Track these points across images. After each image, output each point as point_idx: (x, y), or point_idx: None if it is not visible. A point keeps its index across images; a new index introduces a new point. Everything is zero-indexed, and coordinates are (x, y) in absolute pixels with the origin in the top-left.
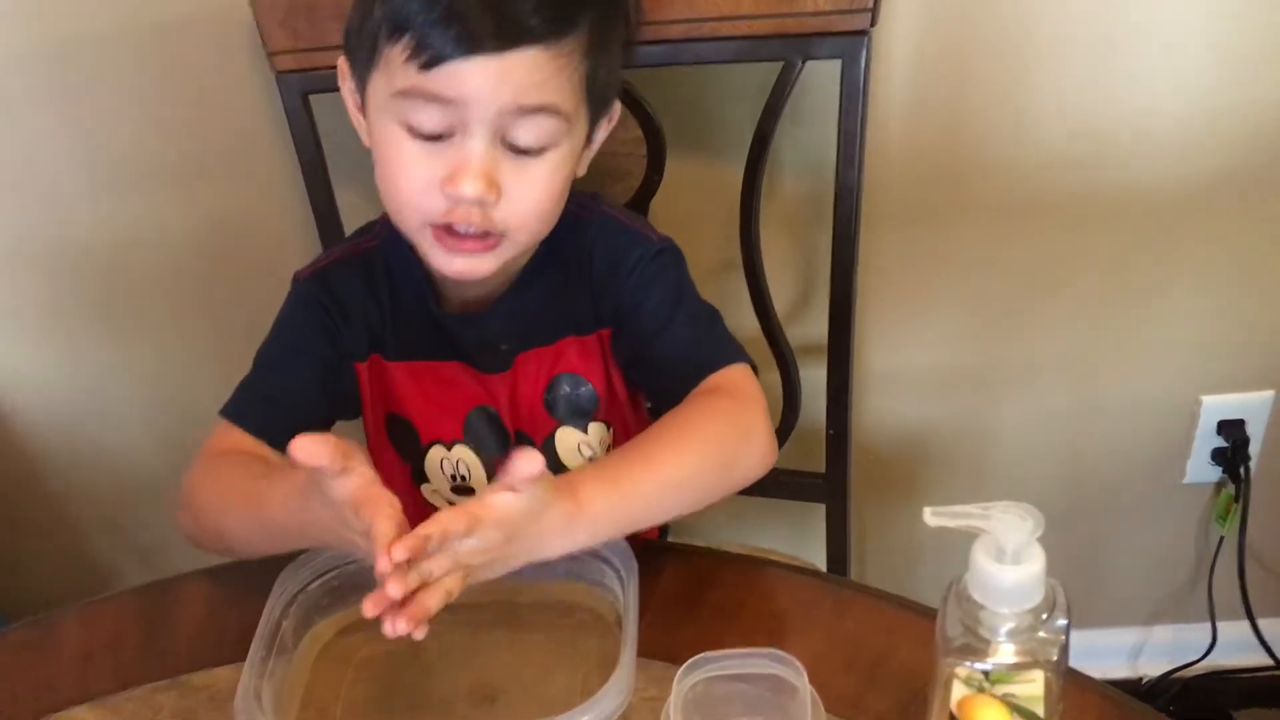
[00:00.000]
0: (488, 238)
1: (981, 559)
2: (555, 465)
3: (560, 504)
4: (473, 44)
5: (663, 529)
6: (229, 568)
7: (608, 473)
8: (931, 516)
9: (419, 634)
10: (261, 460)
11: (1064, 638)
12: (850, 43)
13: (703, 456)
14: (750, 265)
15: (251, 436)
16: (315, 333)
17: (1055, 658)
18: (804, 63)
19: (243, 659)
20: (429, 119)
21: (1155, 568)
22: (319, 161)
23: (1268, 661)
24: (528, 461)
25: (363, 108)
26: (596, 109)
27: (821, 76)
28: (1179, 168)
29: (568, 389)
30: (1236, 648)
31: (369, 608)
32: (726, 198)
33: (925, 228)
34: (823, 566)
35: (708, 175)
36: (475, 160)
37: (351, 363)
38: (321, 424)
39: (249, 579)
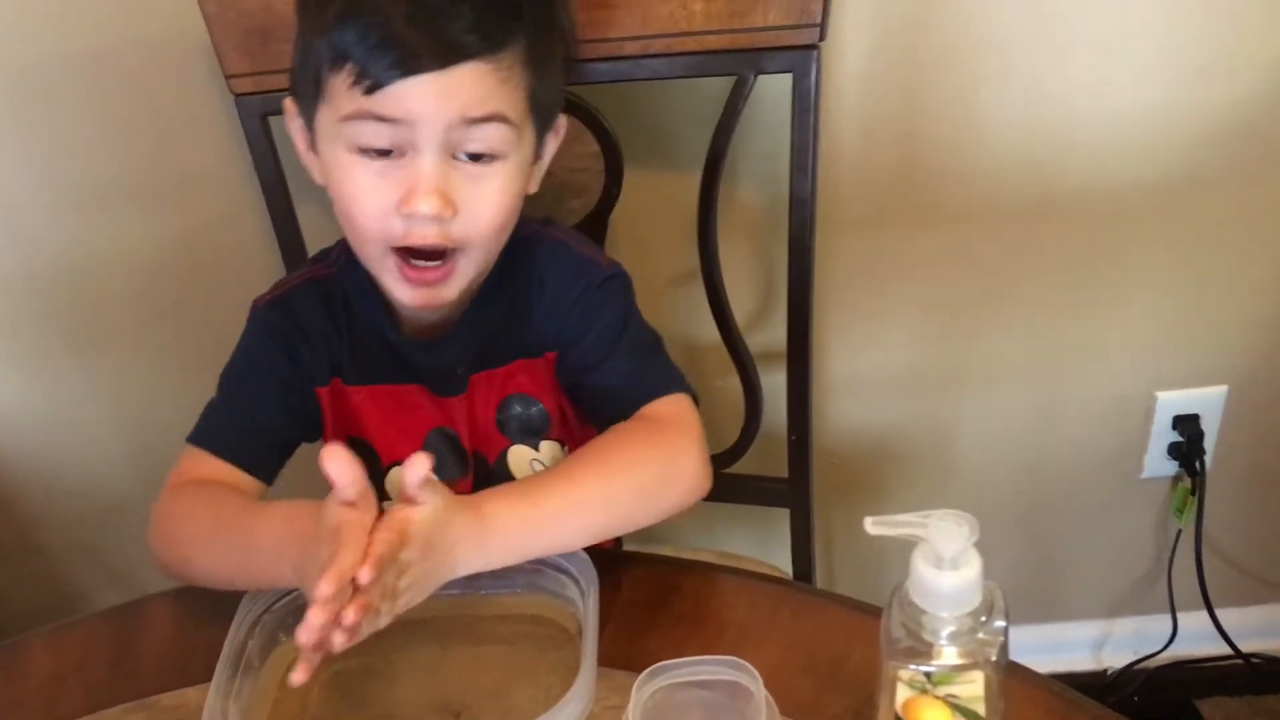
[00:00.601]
0: (446, 262)
1: (921, 565)
2: (506, 481)
3: (463, 515)
4: (412, 65)
5: (618, 539)
6: (195, 590)
7: (521, 490)
8: (873, 526)
9: (338, 642)
10: (235, 494)
11: (1003, 638)
12: (800, 56)
13: (625, 480)
14: (709, 275)
15: (222, 462)
16: (278, 358)
17: (995, 658)
18: (756, 77)
19: (209, 679)
20: (377, 138)
21: (1116, 561)
22: (279, 181)
23: (1227, 650)
24: (415, 467)
25: (313, 146)
26: (542, 122)
27: (774, 89)
28: (1130, 170)
29: (519, 409)
30: (1197, 638)
31: (303, 636)
32: (684, 210)
33: (882, 234)
34: (789, 570)
35: (665, 188)
36: (428, 178)
37: (314, 387)
38: (289, 447)
39: (216, 600)
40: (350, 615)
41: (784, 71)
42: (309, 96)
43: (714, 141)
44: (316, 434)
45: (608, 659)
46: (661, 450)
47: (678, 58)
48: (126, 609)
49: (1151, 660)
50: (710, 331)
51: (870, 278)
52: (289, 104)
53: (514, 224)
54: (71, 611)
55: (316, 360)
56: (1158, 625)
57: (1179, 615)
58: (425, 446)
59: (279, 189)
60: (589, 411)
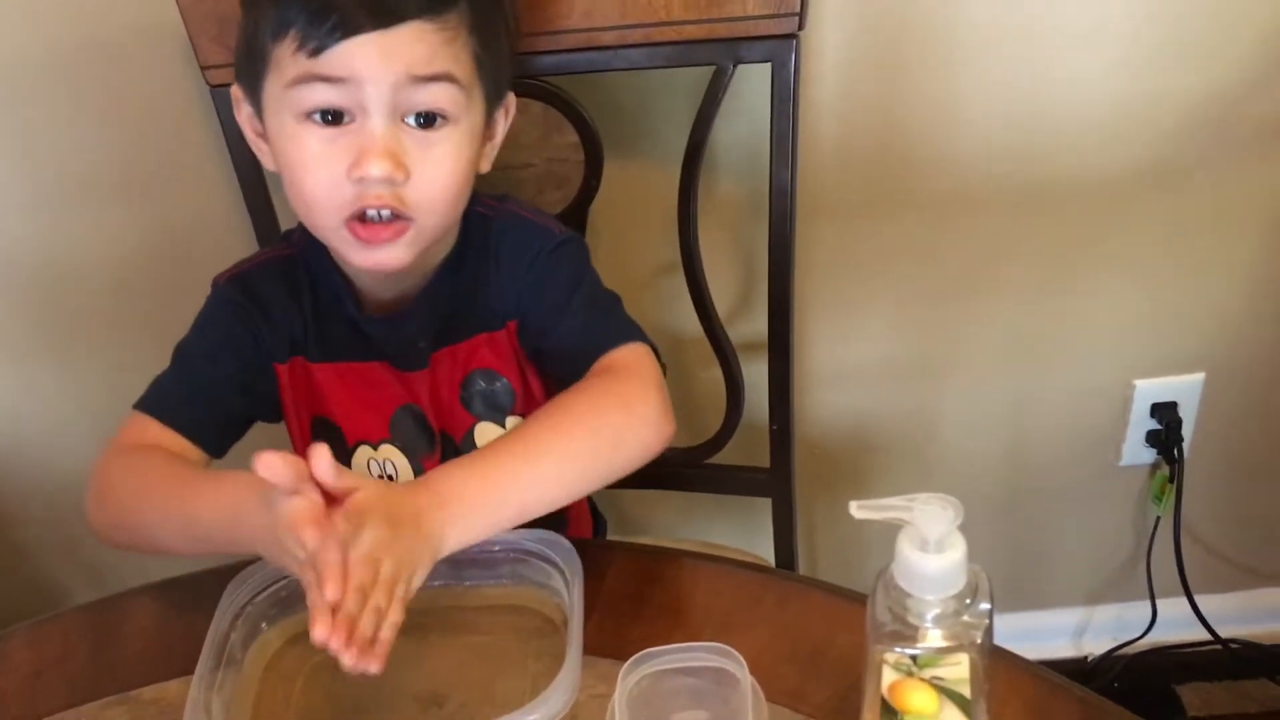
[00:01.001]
0: (397, 222)
1: (906, 549)
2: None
3: (415, 490)
4: (353, 26)
5: (598, 526)
6: (176, 582)
7: (472, 457)
8: (858, 510)
9: (376, 667)
10: (182, 460)
11: (987, 621)
12: (779, 46)
13: (581, 431)
14: (690, 266)
15: (170, 430)
16: (236, 333)
17: (979, 640)
18: (735, 66)
19: (192, 672)
20: (324, 99)
21: (1095, 549)
22: (256, 172)
23: (1206, 636)
24: (318, 461)
25: (263, 133)
26: (491, 92)
27: (753, 79)
28: (1107, 158)
29: (483, 384)
30: (1176, 624)
31: (318, 633)
32: (664, 200)
33: (862, 223)
34: (771, 560)
35: (645, 179)
36: (378, 140)
37: (272, 364)
38: (241, 422)
39: (196, 592)
40: (348, 659)
41: (763, 61)
42: (255, 73)
43: (693, 132)
44: (273, 413)
45: (593, 648)
46: (618, 398)
47: (656, 47)
48: (106, 603)
49: (1131, 646)
50: (691, 323)
51: (850, 267)
52: (236, 91)
53: (466, 196)
54: (49, 609)
55: (276, 337)
56: (1137, 612)
57: (1158, 602)
58: (392, 424)
59: (255, 180)
60: (551, 375)
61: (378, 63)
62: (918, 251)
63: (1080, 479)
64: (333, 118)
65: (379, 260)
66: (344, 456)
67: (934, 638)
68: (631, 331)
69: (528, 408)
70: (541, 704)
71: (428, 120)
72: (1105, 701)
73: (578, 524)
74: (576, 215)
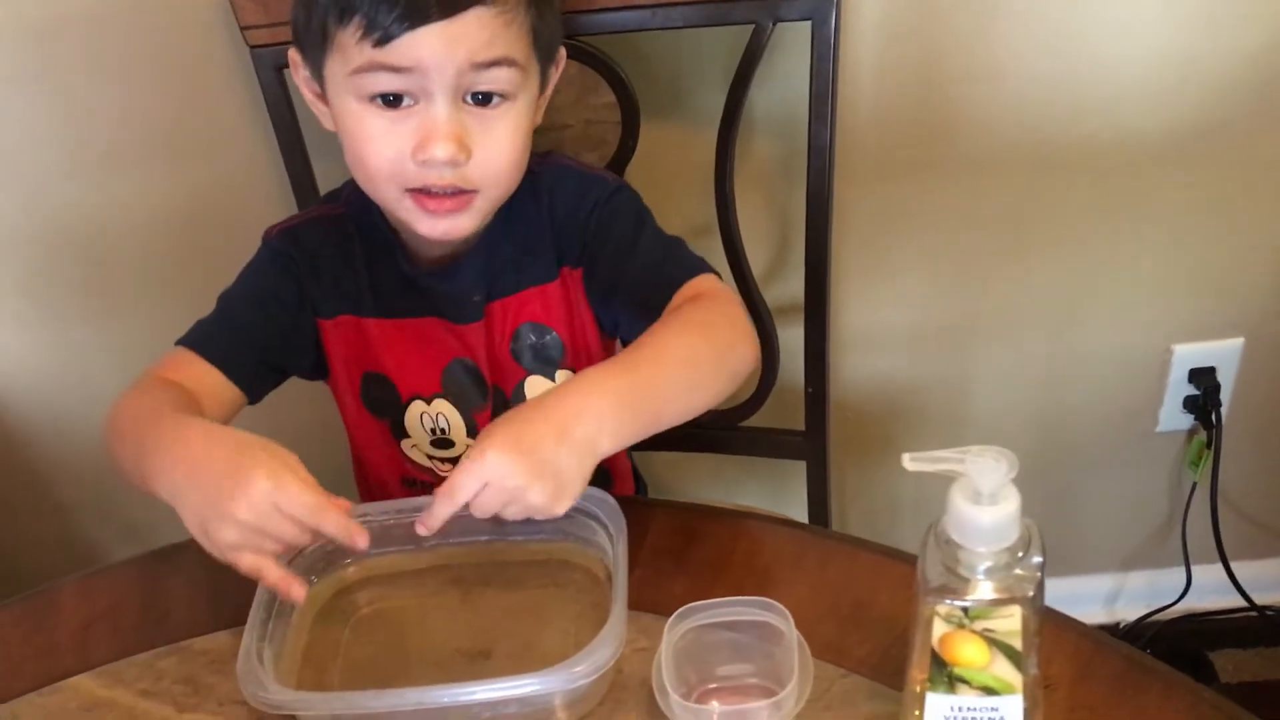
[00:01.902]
0: (462, 194)
1: (959, 501)
2: None
3: (541, 398)
4: (419, 17)
5: (639, 487)
6: None
7: (613, 366)
8: (910, 462)
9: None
10: (192, 397)
11: (1039, 574)
12: (819, 3)
13: (703, 342)
14: (726, 228)
15: (210, 366)
16: (282, 284)
17: (1031, 594)
18: (774, 24)
19: (240, 623)
20: (389, 86)
21: (1130, 515)
22: (295, 134)
23: (1241, 603)
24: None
25: (321, 95)
26: (545, 58)
27: (792, 37)
28: (1150, 118)
29: (533, 338)
30: (1210, 590)
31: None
32: (701, 161)
33: (899, 184)
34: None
35: (682, 140)
36: (442, 123)
37: (315, 319)
38: (278, 372)
39: None
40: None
41: (803, 19)
42: (315, 47)
43: (731, 92)
44: (311, 369)
45: (634, 603)
46: (722, 315)
47: (694, 6)
48: (155, 555)
49: (1164, 613)
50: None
51: (886, 229)
52: (293, 54)
53: (527, 159)
54: (88, 567)
55: (323, 293)
56: (1171, 578)
57: (1193, 568)
58: (444, 378)
59: (295, 142)
60: (627, 311)
61: (442, 52)
62: (954, 212)
63: (1115, 445)
64: (395, 99)
65: (445, 230)
66: (397, 411)
67: (985, 590)
68: (703, 264)
69: (576, 361)
70: (587, 657)
71: (487, 98)
72: (1150, 659)
73: (622, 483)
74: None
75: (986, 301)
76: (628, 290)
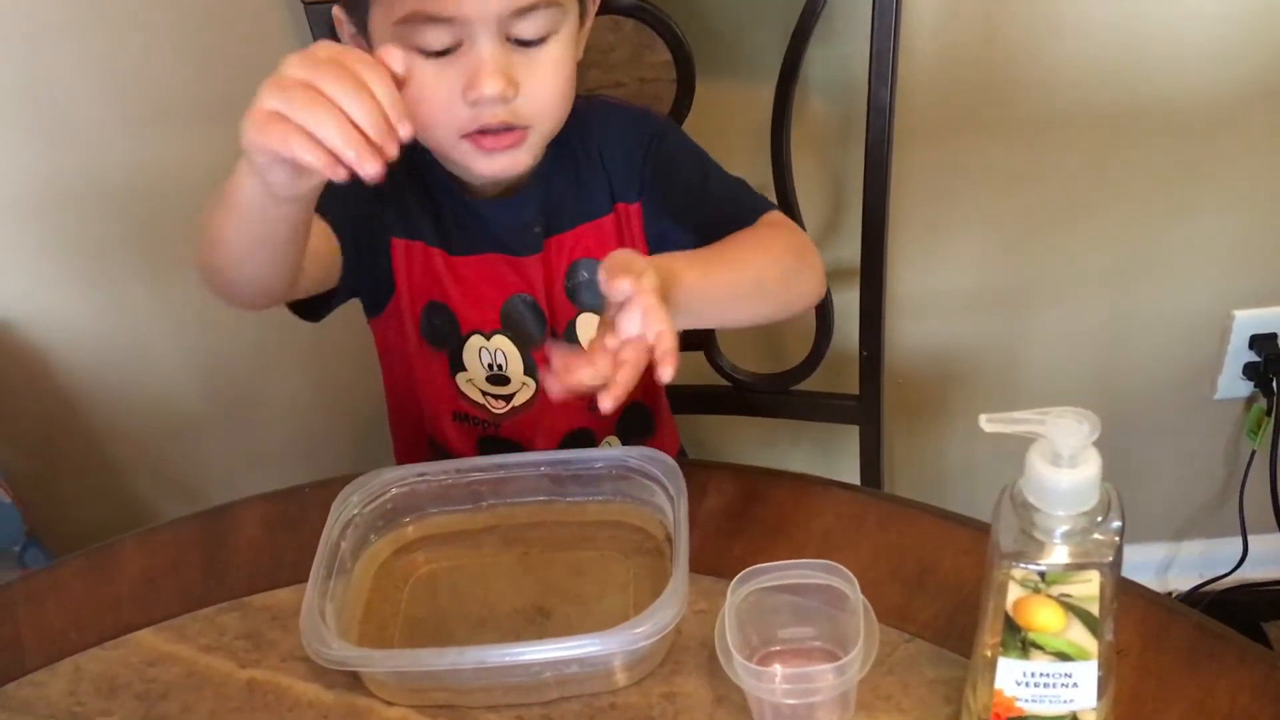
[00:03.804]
0: (515, 131)
1: (1038, 463)
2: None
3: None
4: None
5: (682, 450)
6: (281, 494)
7: (697, 256)
8: (987, 423)
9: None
10: None
11: (1118, 539)
12: None
13: (773, 261)
14: (781, 189)
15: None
16: (363, 192)
17: (1110, 559)
18: None
19: (300, 580)
20: (435, 38)
21: (1185, 483)
22: None
23: None
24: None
25: (370, 50)
26: None
27: None
28: (1213, 78)
29: (586, 275)
30: (1268, 561)
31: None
32: (756, 120)
33: (957, 144)
34: None
35: (737, 98)
36: (488, 62)
37: (389, 237)
38: (357, 269)
39: (302, 504)
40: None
41: None
42: (359, 4)
43: (789, 49)
44: (376, 290)
45: (694, 565)
46: (793, 243)
47: None
48: (216, 512)
49: (1218, 583)
50: None
51: (943, 190)
52: (337, 11)
53: (573, 92)
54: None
55: (397, 216)
56: (1225, 548)
57: (1250, 538)
58: (504, 313)
59: None
60: (698, 235)
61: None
62: (1013, 174)
63: (1173, 412)
64: (441, 49)
65: (502, 167)
66: (456, 343)
67: (1062, 555)
68: (769, 202)
69: None
70: (649, 618)
71: (529, 40)
72: (1222, 627)
73: (667, 440)
74: None
75: (1044, 265)
76: (701, 223)
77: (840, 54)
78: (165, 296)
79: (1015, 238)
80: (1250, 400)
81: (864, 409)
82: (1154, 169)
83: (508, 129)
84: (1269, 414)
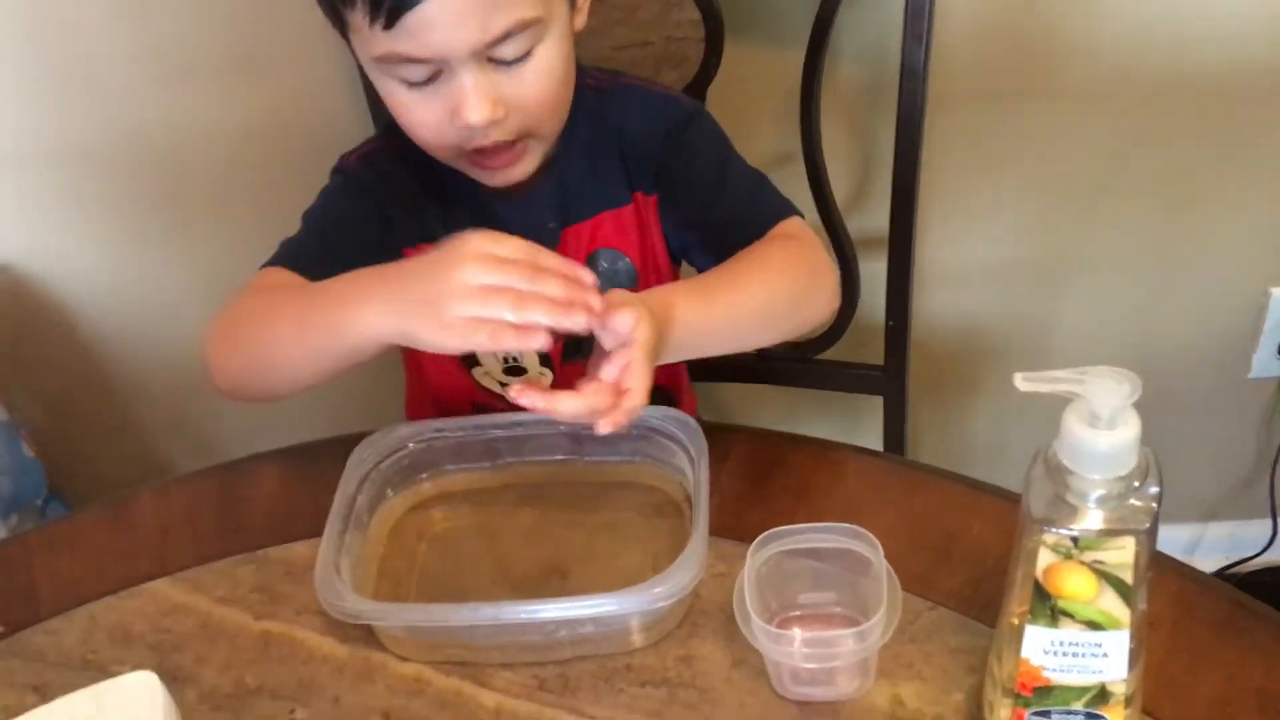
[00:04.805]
0: (512, 147)
1: (1074, 423)
2: (594, 342)
3: (650, 303)
4: None
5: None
6: (297, 449)
7: (695, 289)
8: (1023, 381)
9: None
10: None
11: (1155, 505)
12: None
13: (782, 285)
14: (810, 155)
15: (303, 279)
16: (365, 208)
17: (1146, 526)
18: None
19: (315, 534)
20: (414, 73)
21: (1215, 463)
22: None
23: None
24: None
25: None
26: None
27: None
28: (1257, 49)
29: (605, 264)
30: None
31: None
32: (786, 84)
33: (991, 111)
34: None
35: (767, 60)
36: (470, 91)
37: (402, 248)
38: None
39: (317, 459)
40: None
41: None
42: (336, 21)
43: (821, 9)
44: None
45: (714, 528)
46: (805, 261)
47: None
48: (232, 466)
49: (1245, 565)
50: (808, 214)
51: (975, 159)
52: None
53: (572, 82)
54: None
55: (403, 220)
56: (1253, 530)
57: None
58: None
59: None
60: (707, 242)
61: (452, 30)
62: (1048, 143)
63: (1205, 390)
64: (422, 80)
65: (507, 178)
66: None
67: (1096, 520)
68: (790, 206)
69: (645, 287)
70: (667, 579)
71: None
72: (1257, 603)
73: (686, 407)
74: (694, 95)
75: (1076, 238)
76: (713, 227)
77: (873, 16)
78: (190, 254)
79: (1049, 208)
80: None
81: (888, 380)
82: (1192, 142)
83: (506, 145)
84: None
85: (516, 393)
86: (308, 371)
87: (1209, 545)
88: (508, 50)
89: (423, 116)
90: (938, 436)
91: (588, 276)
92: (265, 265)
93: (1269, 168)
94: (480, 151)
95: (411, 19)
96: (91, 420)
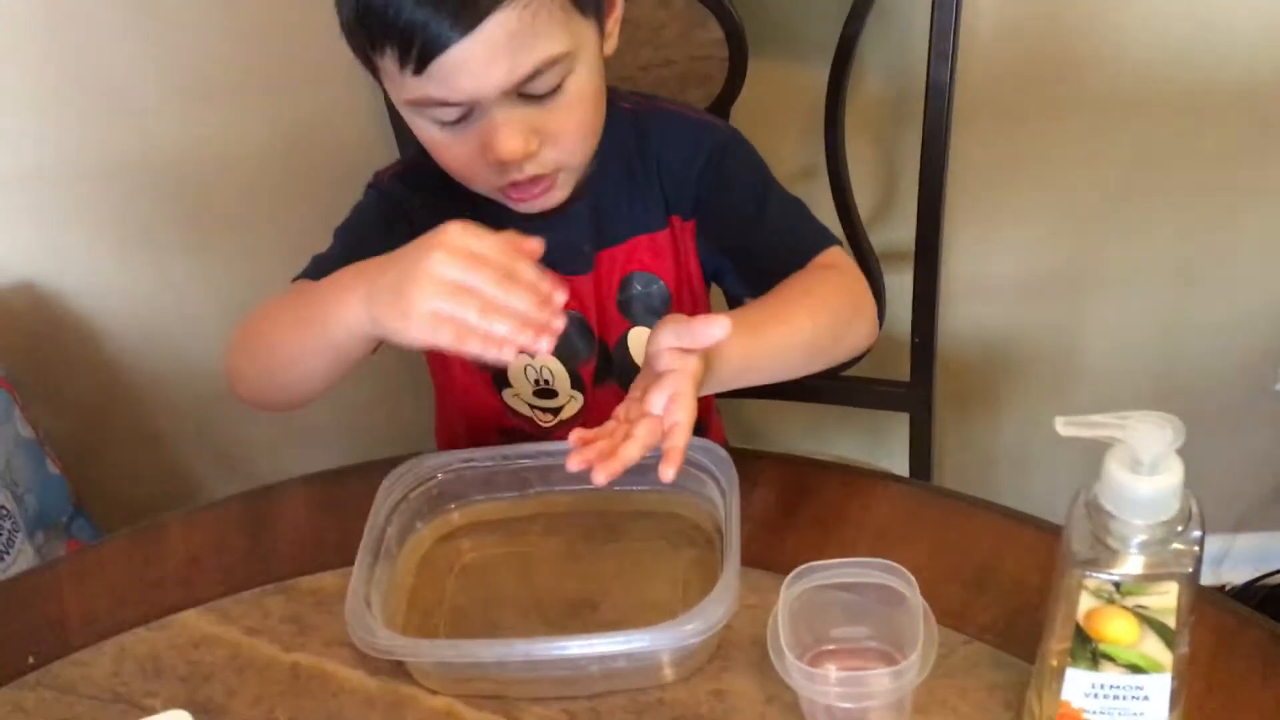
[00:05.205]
0: (544, 179)
1: (1115, 469)
2: (627, 365)
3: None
4: (442, 42)
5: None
6: (325, 475)
7: (744, 320)
8: (1064, 426)
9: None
10: None
11: (1198, 550)
12: None
13: (824, 318)
14: (834, 170)
15: None
16: (397, 227)
17: (1189, 570)
18: None
19: (344, 564)
20: (445, 113)
21: (1243, 475)
22: None
23: None
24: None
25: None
26: (591, 7)
27: None
28: None
29: (639, 288)
30: None
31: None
32: (809, 100)
33: (1016, 125)
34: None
35: (791, 77)
36: (502, 128)
37: None
38: None
39: (345, 487)
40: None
41: None
42: (367, 63)
43: (846, 26)
44: None
45: (745, 558)
46: (848, 293)
47: None
48: (260, 493)
49: (1274, 576)
50: (832, 229)
51: (1001, 173)
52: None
53: (603, 110)
54: (186, 498)
55: None
56: None
57: None
58: None
59: None
60: (745, 270)
61: (480, 74)
62: (1073, 157)
63: (1232, 402)
64: (454, 120)
65: (541, 207)
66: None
67: (1137, 565)
68: (829, 235)
69: (679, 311)
70: (699, 615)
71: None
72: None
73: (714, 432)
74: (718, 113)
75: (1103, 251)
76: (750, 255)
77: (897, 32)
78: (209, 269)
79: (1076, 222)
80: None
81: (915, 396)
82: (1218, 154)
83: (539, 178)
84: None
85: (578, 462)
86: (309, 371)
87: (1238, 556)
88: (539, 86)
89: (457, 154)
90: (964, 452)
91: (560, 296)
92: (296, 278)
93: None
94: (514, 185)
95: (441, 64)
96: (115, 435)
